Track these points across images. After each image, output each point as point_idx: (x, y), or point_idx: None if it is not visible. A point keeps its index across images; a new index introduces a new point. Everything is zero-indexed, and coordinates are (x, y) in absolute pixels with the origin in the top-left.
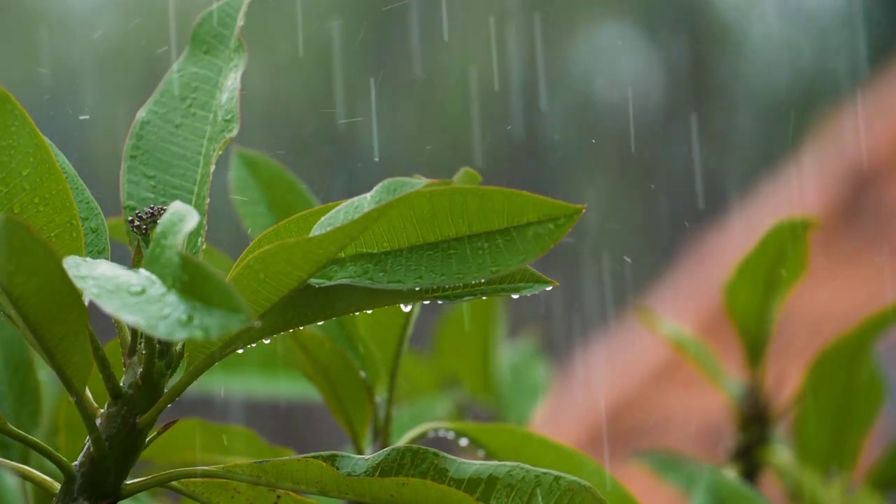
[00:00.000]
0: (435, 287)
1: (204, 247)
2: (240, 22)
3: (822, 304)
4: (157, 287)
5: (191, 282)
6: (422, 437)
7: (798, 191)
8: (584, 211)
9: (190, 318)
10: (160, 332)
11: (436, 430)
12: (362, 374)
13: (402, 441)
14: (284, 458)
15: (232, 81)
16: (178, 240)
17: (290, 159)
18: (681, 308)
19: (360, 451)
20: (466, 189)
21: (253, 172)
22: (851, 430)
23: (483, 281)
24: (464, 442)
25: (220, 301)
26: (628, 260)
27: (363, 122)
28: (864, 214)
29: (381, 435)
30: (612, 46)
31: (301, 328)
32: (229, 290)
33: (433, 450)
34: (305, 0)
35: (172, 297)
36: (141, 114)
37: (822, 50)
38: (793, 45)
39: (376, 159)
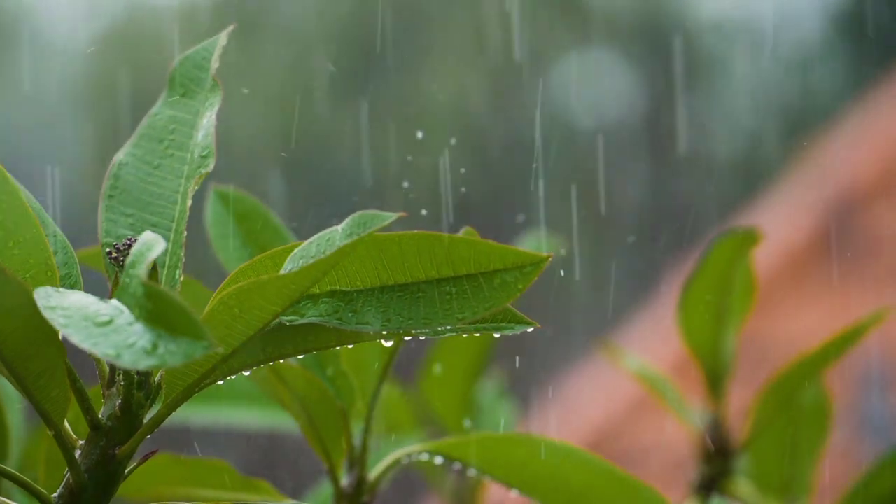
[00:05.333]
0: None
1: (182, 279)
2: (215, 65)
3: (802, 333)
4: (124, 316)
5: (155, 310)
6: (396, 465)
7: (780, 220)
8: (549, 260)
9: (154, 347)
10: (125, 361)
11: (409, 455)
12: (339, 403)
13: (376, 470)
14: (258, 500)
15: (207, 119)
16: (142, 269)
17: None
18: (664, 340)
19: (335, 481)
20: (433, 236)
21: (227, 207)
22: (803, 457)
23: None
24: (457, 466)
25: (184, 329)
26: (608, 289)
27: (348, 151)
28: (846, 243)
29: (357, 465)
30: (589, 73)
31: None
32: (192, 317)
33: None
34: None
35: (139, 327)
36: (119, 156)
37: (804, 79)
38: (774, 74)
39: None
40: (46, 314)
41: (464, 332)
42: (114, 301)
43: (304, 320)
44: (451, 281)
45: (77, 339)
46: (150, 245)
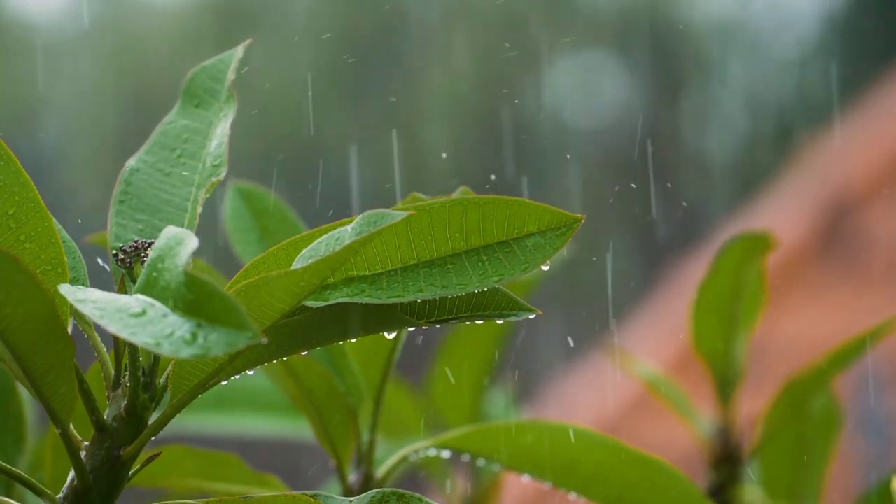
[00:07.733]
0: (426, 301)
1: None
2: (231, 76)
3: (799, 335)
4: (157, 309)
5: (195, 300)
6: (403, 462)
7: (776, 220)
8: (583, 221)
9: (194, 336)
10: (164, 350)
11: (416, 451)
12: (349, 400)
13: (384, 467)
14: (269, 493)
15: (221, 129)
16: (181, 260)
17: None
18: (662, 340)
19: (343, 477)
20: (467, 200)
21: (247, 203)
22: (812, 464)
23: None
24: (466, 458)
25: (226, 318)
26: (607, 290)
27: (349, 149)
28: (842, 243)
29: (365, 462)
30: (586, 74)
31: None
32: (234, 307)
33: (417, 494)
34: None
35: (174, 318)
36: (130, 162)
37: (800, 80)
38: (770, 75)
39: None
40: (79, 307)
41: (467, 319)
42: (138, 296)
43: (331, 301)
44: (482, 250)
45: (114, 328)
46: (181, 239)
